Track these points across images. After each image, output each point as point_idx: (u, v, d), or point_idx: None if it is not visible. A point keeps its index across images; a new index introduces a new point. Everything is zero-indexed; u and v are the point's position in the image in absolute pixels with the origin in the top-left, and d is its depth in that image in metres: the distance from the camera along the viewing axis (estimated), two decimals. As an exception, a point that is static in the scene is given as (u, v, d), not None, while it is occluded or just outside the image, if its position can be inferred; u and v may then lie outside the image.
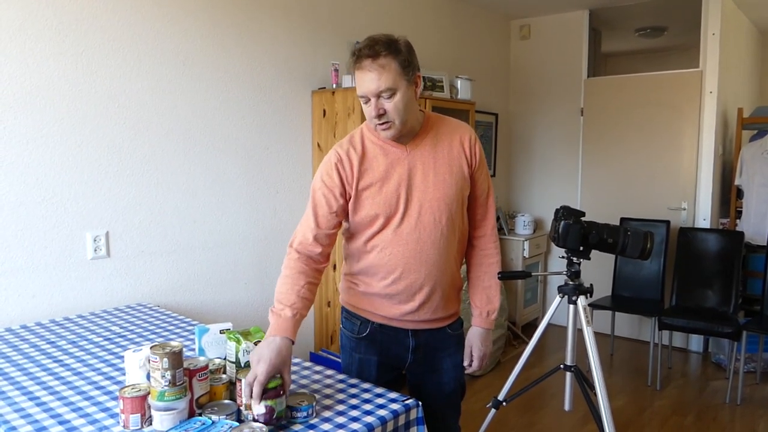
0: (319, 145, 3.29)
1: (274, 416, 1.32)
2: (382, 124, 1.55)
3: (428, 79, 3.64)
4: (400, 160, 1.63)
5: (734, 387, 3.56)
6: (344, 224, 1.74)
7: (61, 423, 1.37)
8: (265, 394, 1.31)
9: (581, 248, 2.07)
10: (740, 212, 4.35)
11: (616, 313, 4.32)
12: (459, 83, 3.84)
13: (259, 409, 1.30)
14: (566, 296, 2.19)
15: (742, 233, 3.92)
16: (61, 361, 1.79)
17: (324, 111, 3.24)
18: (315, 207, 1.64)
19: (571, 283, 2.17)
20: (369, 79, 1.50)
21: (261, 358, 1.35)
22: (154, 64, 2.58)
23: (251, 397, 1.31)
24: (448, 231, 1.65)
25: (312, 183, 1.68)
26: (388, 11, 3.79)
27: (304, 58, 3.25)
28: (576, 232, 2.03)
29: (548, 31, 4.95)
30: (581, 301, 2.17)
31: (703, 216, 4.33)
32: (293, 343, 1.45)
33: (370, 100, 1.53)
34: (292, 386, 1.59)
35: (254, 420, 1.31)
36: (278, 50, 3.11)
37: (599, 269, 4.32)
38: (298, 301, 1.51)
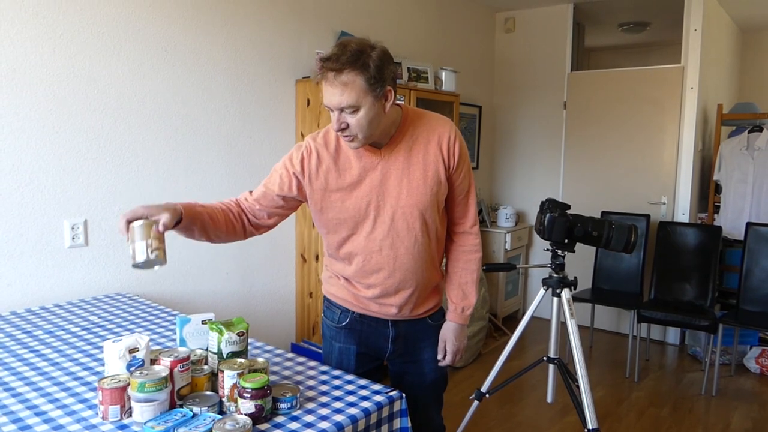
0: (302, 134, 3.25)
1: (263, 414, 1.31)
2: (346, 136, 1.51)
3: (413, 70, 3.62)
4: (373, 164, 1.59)
5: (710, 379, 3.63)
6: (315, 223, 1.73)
7: (37, 414, 1.33)
8: (254, 392, 1.29)
9: (566, 241, 2.08)
10: (718, 207, 4.41)
11: (596, 305, 4.37)
12: (444, 75, 3.83)
13: (248, 408, 1.29)
14: (550, 288, 2.20)
15: (719, 228, 3.98)
16: (37, 351, 1.75)
17: (308, 101, 3.20)
18: (267, 183, 1.64)
19: (555, 275, 2.18)
20: (331, 94, 1.45)
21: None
22: (135, 48, 2.52)
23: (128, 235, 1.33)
24: (423, 237, 1.64)
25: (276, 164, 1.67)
26: (374, 0, 3.76)
27: (288, 46, 3.21)
28: (561, 225, 2.03)
29: (533, 24, 4.95)
30: (565, 293, 2.18)
31: (682, 210, 4.38)
32: (180, 216, 1.43)
33: (333, 110, 1.48)
34: (275, 377, 1.58)
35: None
36: (263, 37, 3.06)
37: (580, 262, 4.36)
38: (197, 206, 1.51)
